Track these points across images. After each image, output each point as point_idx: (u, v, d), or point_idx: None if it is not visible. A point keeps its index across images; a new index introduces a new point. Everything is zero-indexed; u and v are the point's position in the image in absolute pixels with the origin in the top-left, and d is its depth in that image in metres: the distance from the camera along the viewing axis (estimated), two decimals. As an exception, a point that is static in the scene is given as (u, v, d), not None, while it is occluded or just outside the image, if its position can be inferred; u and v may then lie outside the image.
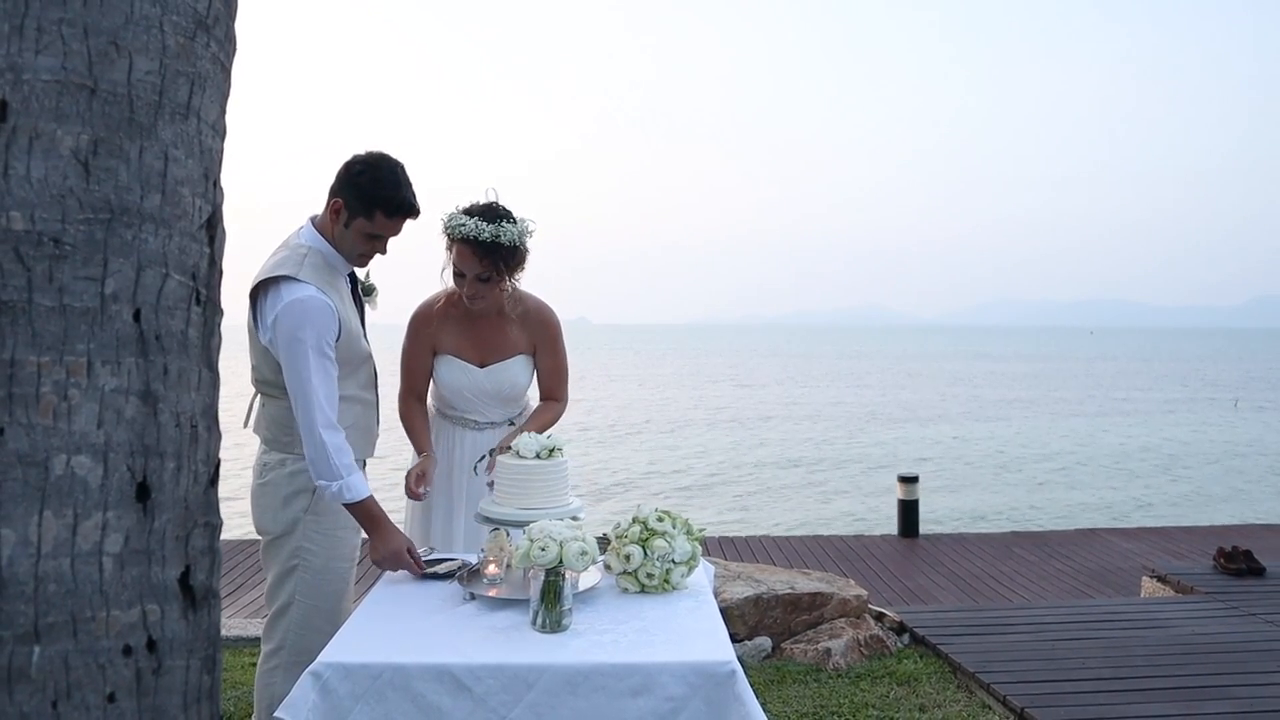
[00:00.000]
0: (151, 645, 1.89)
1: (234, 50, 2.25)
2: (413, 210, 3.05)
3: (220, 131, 2.19)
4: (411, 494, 3.40)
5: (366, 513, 3.00)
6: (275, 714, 2.29)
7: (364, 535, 3.13)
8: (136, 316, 1.91)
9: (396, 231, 3.08)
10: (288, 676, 3.00)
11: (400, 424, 3.68)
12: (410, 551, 3.05)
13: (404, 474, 3.44)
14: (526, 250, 3.42)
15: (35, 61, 1.84)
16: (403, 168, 3.02)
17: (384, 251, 3.13)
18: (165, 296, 1.97)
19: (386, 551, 3.03)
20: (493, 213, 3.35)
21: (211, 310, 2.12)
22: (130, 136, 1.92)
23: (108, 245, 1.87)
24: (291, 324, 2.87)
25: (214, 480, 2.12)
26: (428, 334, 3.60)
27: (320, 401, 2.87)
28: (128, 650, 1.86)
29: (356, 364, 3.16)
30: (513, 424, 3.70)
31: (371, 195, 2.97)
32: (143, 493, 1.89)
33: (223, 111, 2.22)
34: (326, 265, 3.04)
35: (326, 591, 3.12)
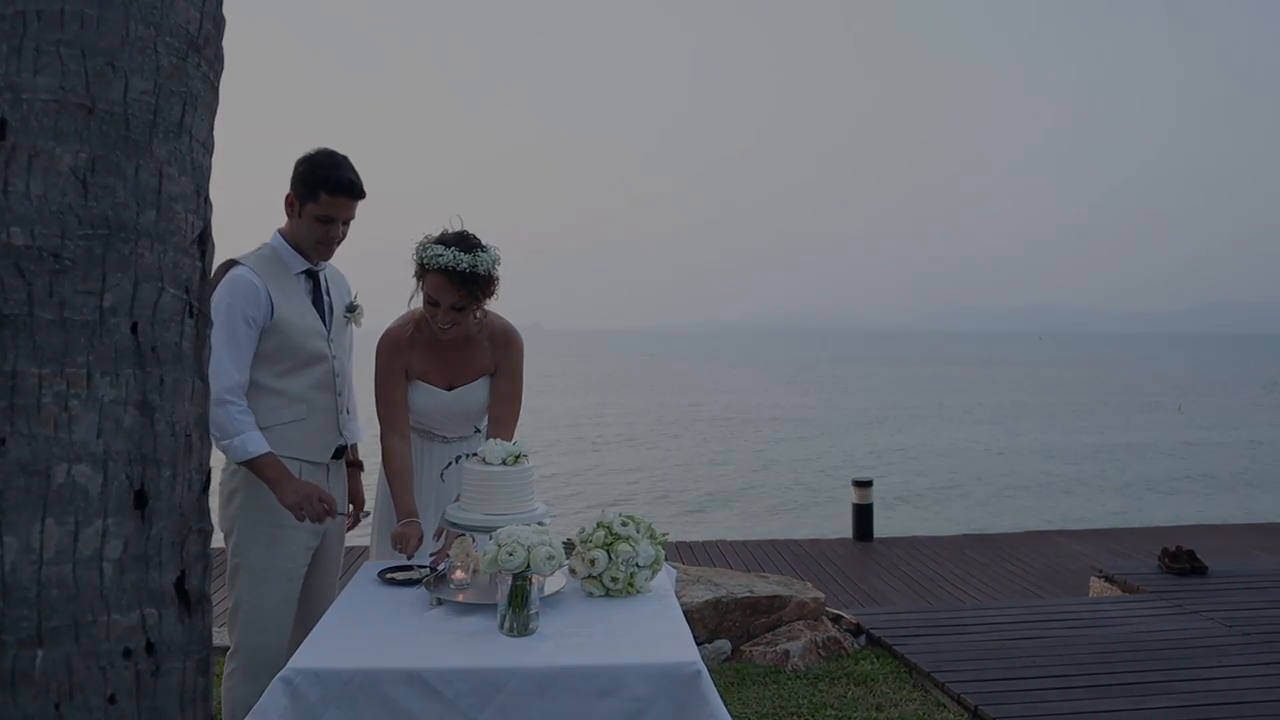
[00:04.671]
0: (150, 648, 1.94)
1: (221, 68, 2.30)
2: (353, 188, 3.17)
3: (209, 148, 2.25)
4: (403, 550, 3.26)
5: (266, 467, 3.06)
6: (246, 719, 2.30)
7: (318, 541, 3.26)
8: (134, 329, 1.96)
9: (346, 212, 3.20)
10: (246, 679, 3.06)
11: (383, 469, 3.54)
12: (320, 495, 3.09)
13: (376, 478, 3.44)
14: (498, 277, 3.44)
15: (34, 81, 1.89)
16: (344, 156, 3.18)
17: (340, 236, 3.25)
18: (161, 310, 2.02)
19: (297, 497, 3.05)
20: (467, 242, 3.36)
21: (203, 323, 2.18)
22: (127, 154, 1.98)
23: (106, 260, 1.93)
24: (215, 296, 2.96)
25: (205, 487, 2.17)
26: (400, 360, 3.56)
27: (227, 366, 2.97)
28: (127, 653, 1.90)
29: (304, 362, 3.22)
30: (479, 430, 3.72)
31: (312, 178, 3.13)
32: (140, 500, 1.94)
33: (211, 129, 2.27)
34: (276, 258, 3.20)
35: (268, 590, 3.14)
